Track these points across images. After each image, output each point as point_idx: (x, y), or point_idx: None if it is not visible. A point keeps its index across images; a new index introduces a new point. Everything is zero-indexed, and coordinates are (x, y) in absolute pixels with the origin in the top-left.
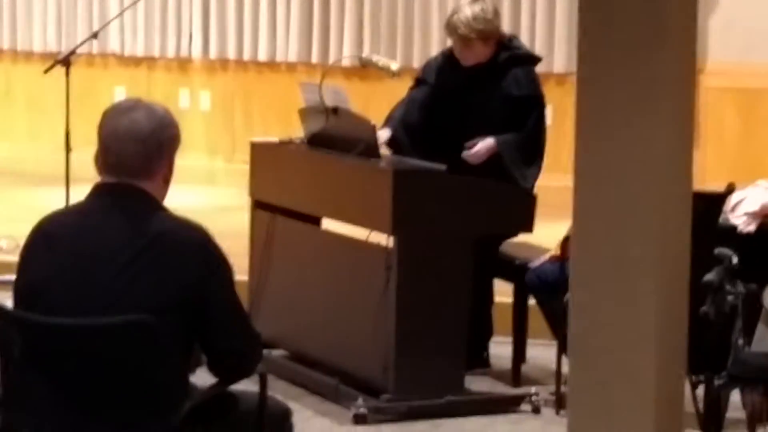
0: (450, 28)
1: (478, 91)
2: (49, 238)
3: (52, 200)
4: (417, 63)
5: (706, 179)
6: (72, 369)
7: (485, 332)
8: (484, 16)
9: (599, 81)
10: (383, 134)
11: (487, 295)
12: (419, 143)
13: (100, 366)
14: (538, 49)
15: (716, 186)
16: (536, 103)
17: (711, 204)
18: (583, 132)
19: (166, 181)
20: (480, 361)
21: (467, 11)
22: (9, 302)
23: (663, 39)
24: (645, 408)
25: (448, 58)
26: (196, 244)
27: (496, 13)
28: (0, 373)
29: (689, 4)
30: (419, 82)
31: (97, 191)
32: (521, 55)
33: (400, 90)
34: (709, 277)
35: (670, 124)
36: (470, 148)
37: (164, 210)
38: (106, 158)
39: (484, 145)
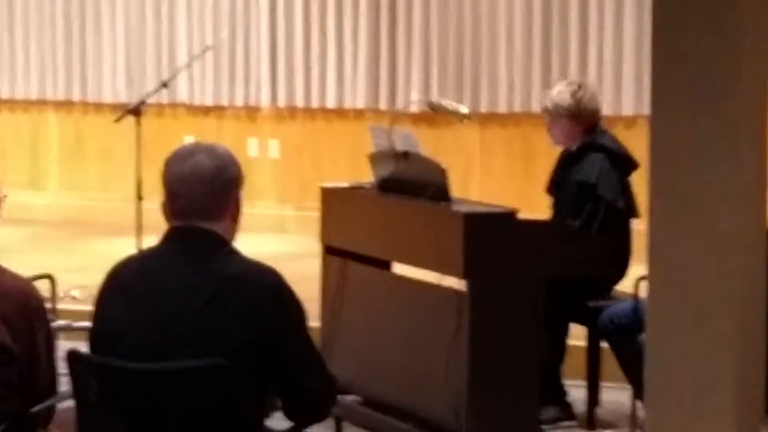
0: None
1: (562, 175)
2: (123, 284)
3: (123, 249)
4: (484, 107)
5: None
6: (148, 413)
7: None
8: (570, 94)
9: (672, 121)
10: None
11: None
12: None
13: (176, 410)
14: (606, 92)
15: None
16: (590, 192)
17: None
18: (656, 173)
19: (235, 219)
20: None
21: (557, 87)
22: (84, 348)
23: (736, 76)
24: None
25: None
26: (269, 286)
27: (592, 97)
28: (76, 418)
29: (762, 40)
30: None
31: (169, 236)
32: (597, 144)
33: (468, 135)
34: None
35: (745, 161)
36: None
37: (236, 252)
38: (173, 204)
39: None
